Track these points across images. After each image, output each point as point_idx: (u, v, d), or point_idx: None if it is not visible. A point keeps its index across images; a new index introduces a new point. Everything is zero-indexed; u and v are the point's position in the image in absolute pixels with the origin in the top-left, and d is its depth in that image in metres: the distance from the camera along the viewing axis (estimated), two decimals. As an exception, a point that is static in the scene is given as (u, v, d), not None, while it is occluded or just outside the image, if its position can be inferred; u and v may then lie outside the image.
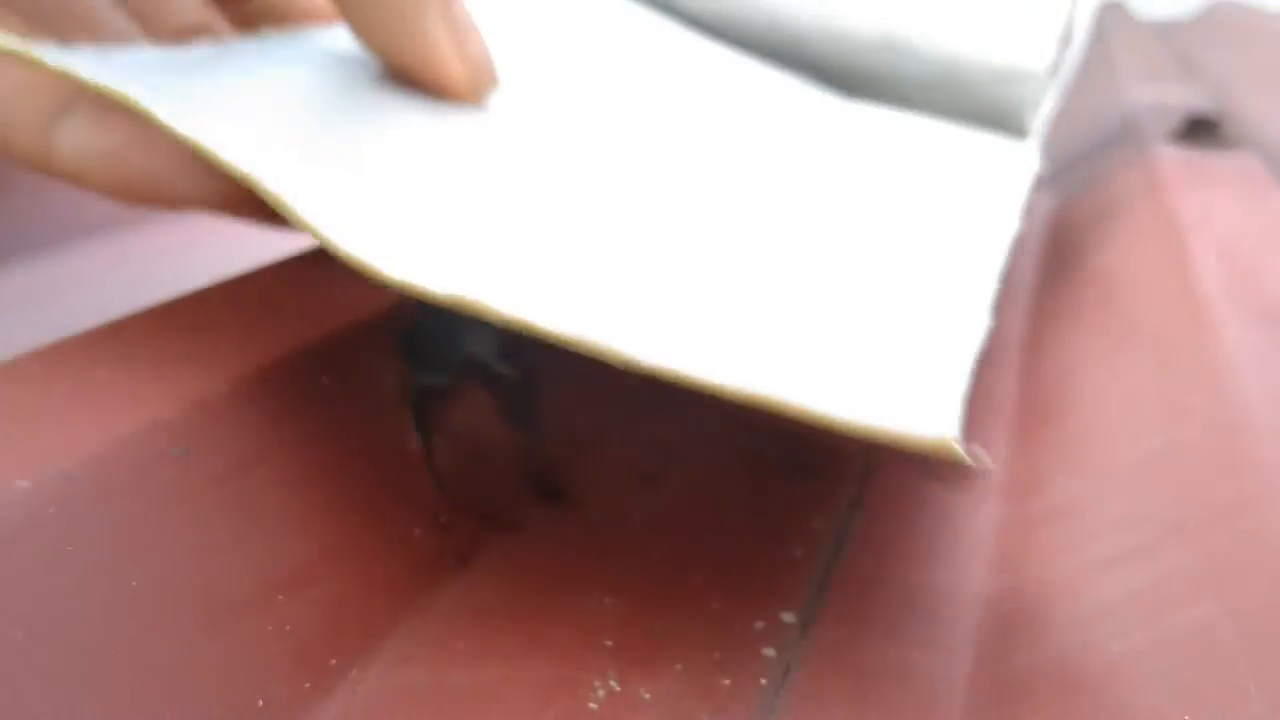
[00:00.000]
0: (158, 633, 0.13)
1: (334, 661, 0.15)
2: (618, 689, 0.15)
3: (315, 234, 0.15)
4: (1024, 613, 0.16)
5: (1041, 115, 0.36)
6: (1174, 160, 0.33)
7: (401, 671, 0.15)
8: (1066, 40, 0.37)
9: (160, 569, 0.13)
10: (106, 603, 0.13)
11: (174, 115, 0.15)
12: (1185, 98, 0.40)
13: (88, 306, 0.21)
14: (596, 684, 0.15)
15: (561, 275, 0.16)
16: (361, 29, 0.20)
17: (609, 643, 0.16)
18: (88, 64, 0.16)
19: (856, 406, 0.14)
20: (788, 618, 0.17)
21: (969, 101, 0.37)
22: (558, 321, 0.14)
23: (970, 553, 0.19)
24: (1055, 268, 0.31)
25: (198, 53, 0.19)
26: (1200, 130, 0.35)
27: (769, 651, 0.16)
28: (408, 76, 0.20)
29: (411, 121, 0.19)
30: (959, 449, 0.13)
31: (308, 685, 0.14)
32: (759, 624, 0.17)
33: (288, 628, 0.15)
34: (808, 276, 0.19)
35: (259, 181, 0.15)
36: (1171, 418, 0.18)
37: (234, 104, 0.17)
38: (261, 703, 0.14)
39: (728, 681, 0.15)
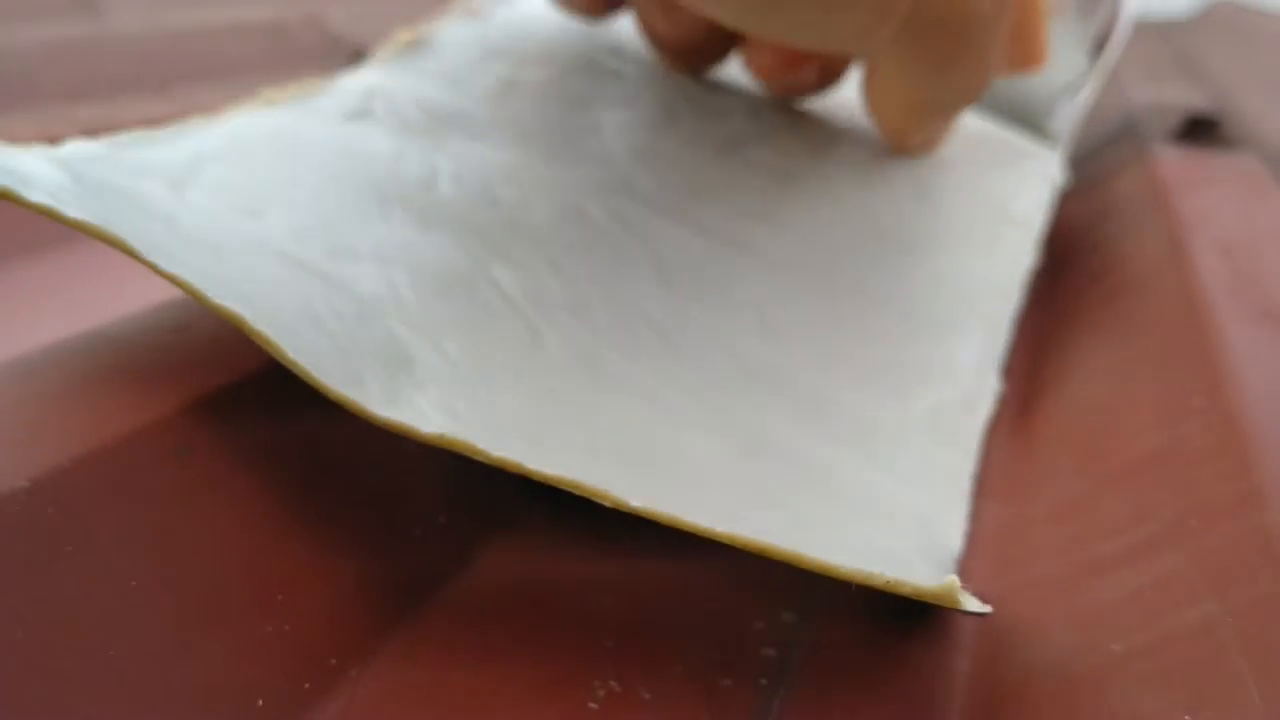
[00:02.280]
0: (157, 632, 0.13)
1: (334, 661, 0.15)
2: (618, 689, 0.15)
3: (303, 374, 0.15)
4: (1024, 613, 0.16)
5: (1072, 116, 0.36)
6: (1174, 160, 0.33)
7: (401, 671, 0.15)
8: (1101, 44, 0.37)
9: (160, 569, 0.13)
10: (106, 603, 0.13)
11: (157, 252, 0.15)
12: (1185, 98, 0.40)
13: (86, 306, 0.21)
14: (596, 684, 0.15)
15: (550, 424, 0.17)
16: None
17: (609, 643, 0.16)
18: (78, 189, 0.16)
19: (854, 557, 0.15)
20: (788, 618, 0.17)
21: (1000, 85, 0.37)
22: (546, 464, 0.15)
23: (970, 552, 0.19)
24: (1055, 267, 0.31)
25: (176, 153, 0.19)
26: (1200, 130, 0.35)
27: (769, 651, 0.16)
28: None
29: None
30: (959, 595, 0.14)
31: (307, 685, 0.14)
32: (759, 624, 0.17)
33: (288, 628, 0.15)
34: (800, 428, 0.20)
35: (246, 321, 0.15)
36: (1171, 418, 0.18)
37: (214, 239, 0.17)
38: (261, 703, 0.14)
39: (728, 681, 0.15)
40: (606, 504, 0.15)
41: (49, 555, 0.12)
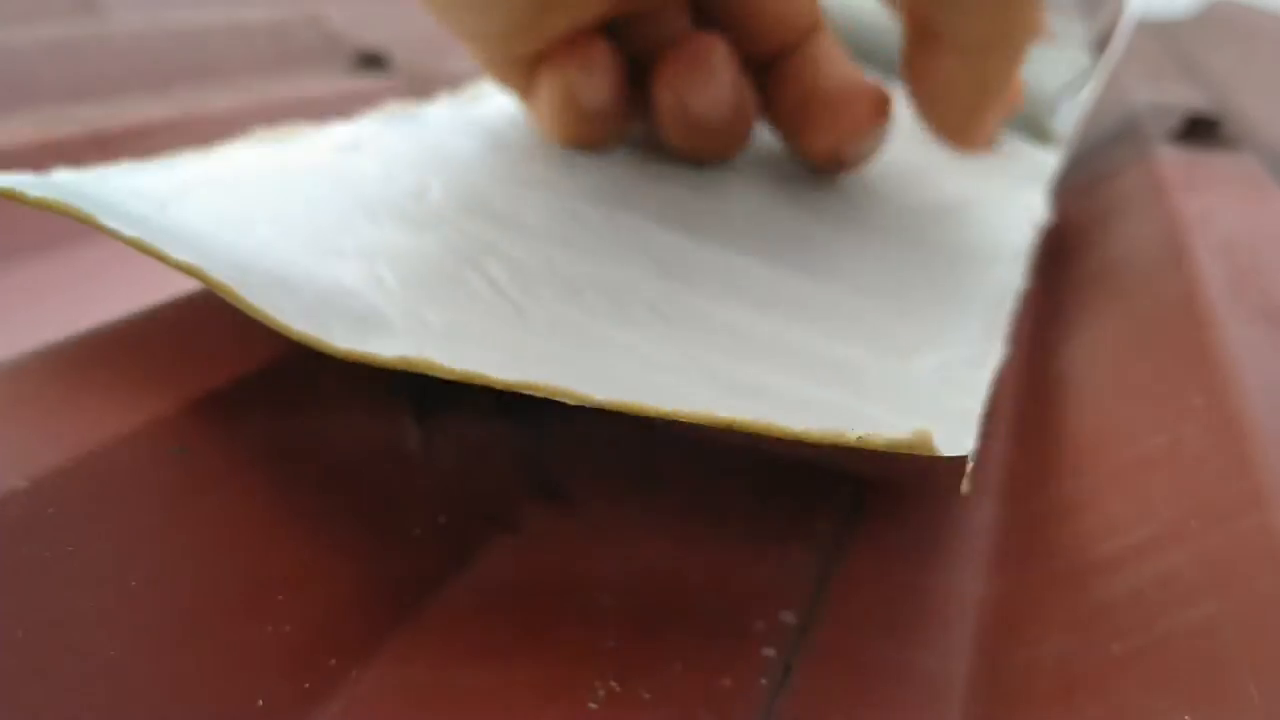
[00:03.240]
0: (157, 633, 0.13)
1: (334, 661, 0.15)
2: (618, 689, 0.15)
3: (262, 316, 0.15)
4: (1024, 613, 0.16)
5: (1073, 115, 0.36)
6: (1174, 160, 0.33)
7: (401, 671, 0.15)
8: (1102, 44, 0.37)
9: (160, 569, 0.13)
10: (106, 603, 0.13)
11: (116, 221, 0.15)
12: (1185, 98, 0.40)
13: (86, 306, 0.21)
14: (596, 684, 0.15)
15: (517, 348, 0.17)
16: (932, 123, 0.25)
17: (609, 643, 0.16)
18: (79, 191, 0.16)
19: (839, 420, 0.14)
20: (788, 618, 0.17)
21: None
22: (510, 372, 0.15)
23: (970, 552, 0.19)
24: (1055, 267, 0.31)
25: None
26: (1200, 130, 0.35)
27: (769, 651, 0.16)
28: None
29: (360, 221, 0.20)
30: (934, 442, 0.13)
31: (308, 685, 0.14)
32: (759, 624, 0.17)
33: (288, 628, 0.15)
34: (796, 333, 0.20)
35: (203, 272, 0.15)
36: (1171, 418, 0.18)
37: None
38: (261, 703, 0.14)
39: (728, 681, 0.15)
40: (570, 401, 0.14)
41: (49, 555, 0.12)
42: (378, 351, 0.15)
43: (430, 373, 0.15)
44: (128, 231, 0.15)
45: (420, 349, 0.15)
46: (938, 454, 0.13)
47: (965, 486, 0.14)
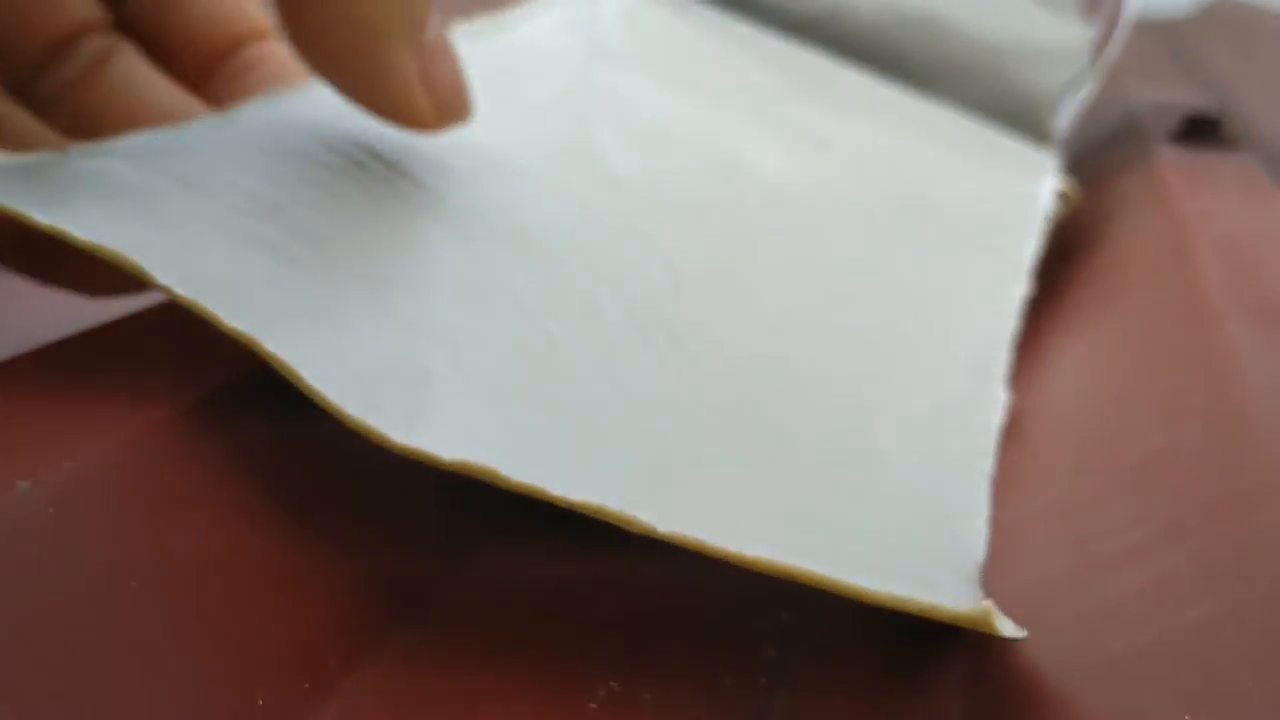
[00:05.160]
0: (157, 633, 0.13)
1: (333, 662, 0.15)
2: (618, 689, 0.15)
3: (321, 401, 0.15)
4: (1024, 613, 0.16)
5: (1071, 114, 0.36)
6: (1174, 160, 0.33)
7: (401, 672, 0.15)
8: (1102, 43, 0.38)
9: (159, 569, 0.13)
10: (106, 603, 0.13)
11: (168, 271, 0.15)
12: (1185, 98, 0.40)
13: (86, 306, 0.21)
14: (596, 684, 0.15)
15: (571, 442, 0.16)
16: (315, 57, 0.19)
17: (609, 643, 0.16)
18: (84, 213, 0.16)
19: (884, 577, 0.15)
20: (788, 618, 0.17)
21: (1004, 83, 0.37)
22: (571, 490, 0.15)
23: (970, 553, 0.19)
24: (1056, 267, 0.31)
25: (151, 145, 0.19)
26: (1200, 130, 0.35)
27: (769, 651, 0.16)
28: (367, 109, 0.19)
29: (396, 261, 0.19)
30: (995, 621, 0.14)
31: (307, 685, 0.14)
32: (759, 624, 0.17)
33: (287, 628, 0.15)
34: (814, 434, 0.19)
35: (261, 345, 0.15)
36: (1171, 418, 0.18)
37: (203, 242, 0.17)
38: (261, 703, 0.14)
39: (728, 681, 0.15)
40: (633, 530, 0.15)
41: (49, 555, 0.12)
42: (435, 451, 0.15)
43: (490, 481, 0.15)
44: (179, 290, 0.15)
45: (469, 425, 0.15)
46: (997, 633, 0.14)
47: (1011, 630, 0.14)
